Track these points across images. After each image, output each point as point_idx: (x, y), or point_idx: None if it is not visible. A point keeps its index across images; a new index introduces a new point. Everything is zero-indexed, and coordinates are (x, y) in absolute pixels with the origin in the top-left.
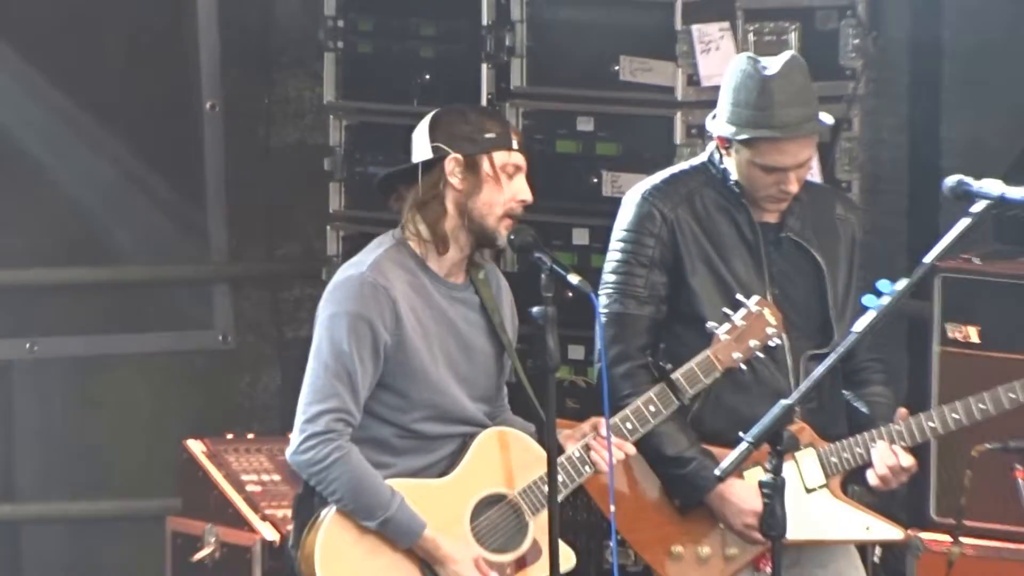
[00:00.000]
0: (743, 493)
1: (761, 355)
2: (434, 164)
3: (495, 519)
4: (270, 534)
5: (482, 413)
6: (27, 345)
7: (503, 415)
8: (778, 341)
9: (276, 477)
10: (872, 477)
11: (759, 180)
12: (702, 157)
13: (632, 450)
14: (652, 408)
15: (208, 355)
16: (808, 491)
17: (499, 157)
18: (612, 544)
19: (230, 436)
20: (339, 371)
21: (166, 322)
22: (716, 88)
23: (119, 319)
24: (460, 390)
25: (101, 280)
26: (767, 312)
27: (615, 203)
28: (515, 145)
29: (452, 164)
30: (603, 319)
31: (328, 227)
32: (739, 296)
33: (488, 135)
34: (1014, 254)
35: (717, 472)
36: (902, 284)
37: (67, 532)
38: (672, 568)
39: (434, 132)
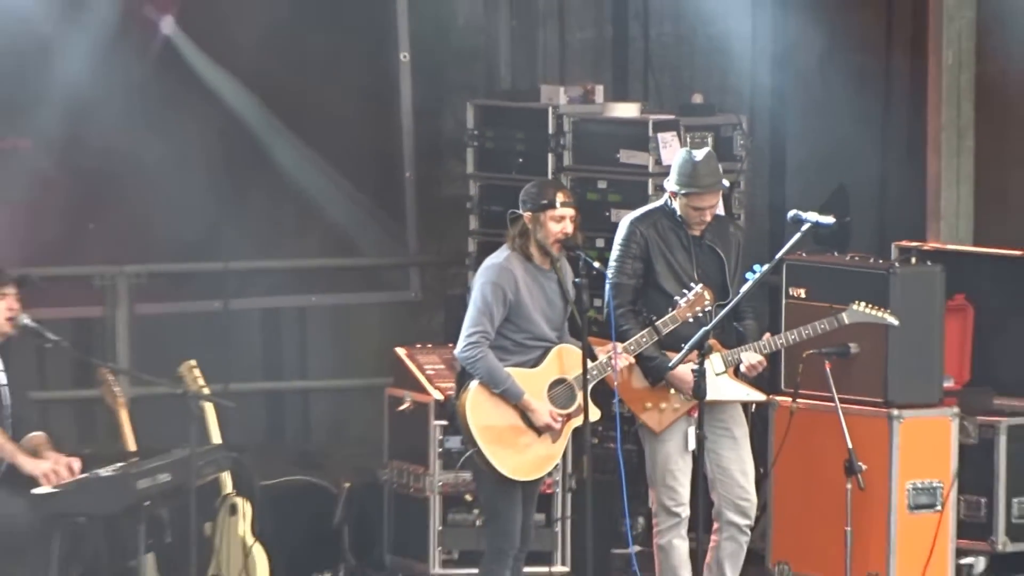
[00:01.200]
0: (684, 375)
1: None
2: (519, 216)
3: (559, 391)
4: (439, 396)
5: (555, 336)
6: (312, 298)
7: (565, 336)
8: (709, 308)
9: (441, 366)
10: (743, 368)
11: (690, 214)
12: (660, 201)
13: (631, 359)
14: (644, 339)
15: (408, 305)
16: (716, 375)
17: (549, 213)
18: (617, 428)
19: (419, 345)
20: (484, 311)
21: (386, 286)
22: (669, 166)
23: (358, 286)
24: (544, 324)
25: (346, 265)
26: (706, 293)
27: (615, 226)
28: (559, 204)
29: (527, 217)
30: (609, 286)
31: (469, 238)
32: (691, 284)
33: (543, 200)
34: (823, 251)
35: (669, 364)
36: (764, 268)
37: (331, 399)
38: (646, 415)
39: (523, 197)
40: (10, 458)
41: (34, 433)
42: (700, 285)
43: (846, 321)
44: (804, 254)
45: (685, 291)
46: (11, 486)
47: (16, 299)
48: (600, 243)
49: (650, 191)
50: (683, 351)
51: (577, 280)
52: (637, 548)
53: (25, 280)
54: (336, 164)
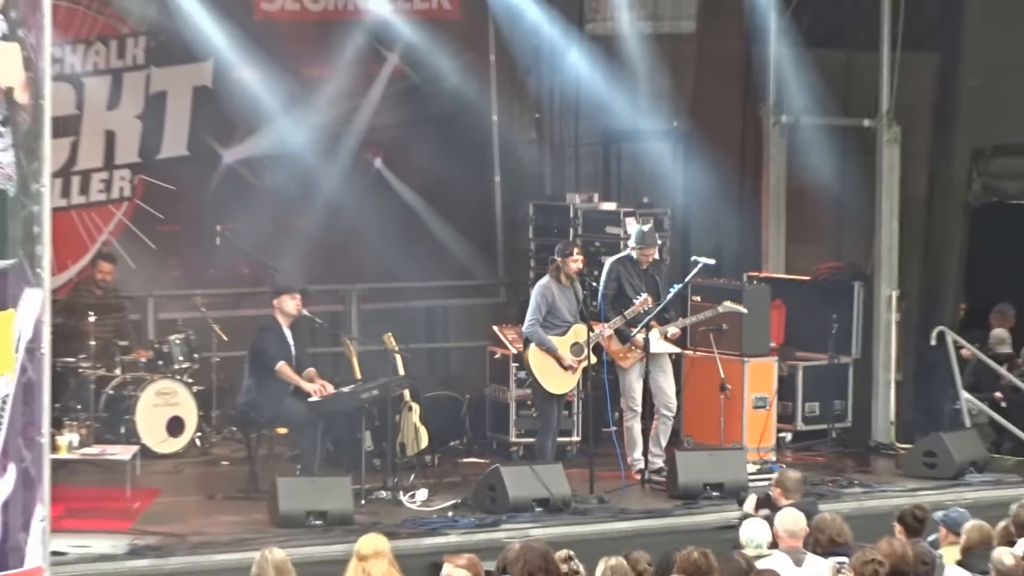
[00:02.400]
0: (638, 340)
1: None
2: (555, 259)
3: (575, 348)
4: (515, 351)
5: (572, 320)
6: (449, 301)
7: (577, 320)
8: (650, 306)
9: (515, 336)
10: (669, 335)
11: (641, 259)
12: (625, 252)
13: (611, 331)
14: (619, 321)
15: (498, 305)
16: (655, 340)
17: (569, 258)
18: (604, 366)
19: (504, 326)
20: (536, 308)
21: (486, 295)
22: (631, 234)
23: (472, 295)
24: (567, 314)
25: (467, 284)
26: (649, 298)
27: (603, 265)
28: (574, 253)
29: (558, 260)
30: (600, 295)
31: (529, 270)
32: (641, 294)
33: (566, 251)
34: (709, 277)
35: (632, 334)
36: (678, 286)
37: (460, 353)
38: (619, 360)
39: (556, 249)
40: (297, 383)
41: (309, 369)
42: (645, 295)
43: (720, 311)
44: (700, 278)
45: (638, 297)
46: (296, 397)
47: (301, 301)
48: (597, 273)
49: (621, 247)
50: (638, 328)
51: (585, 292)
52: (614, 428)
53: (305, 291)
54: (462, 231)
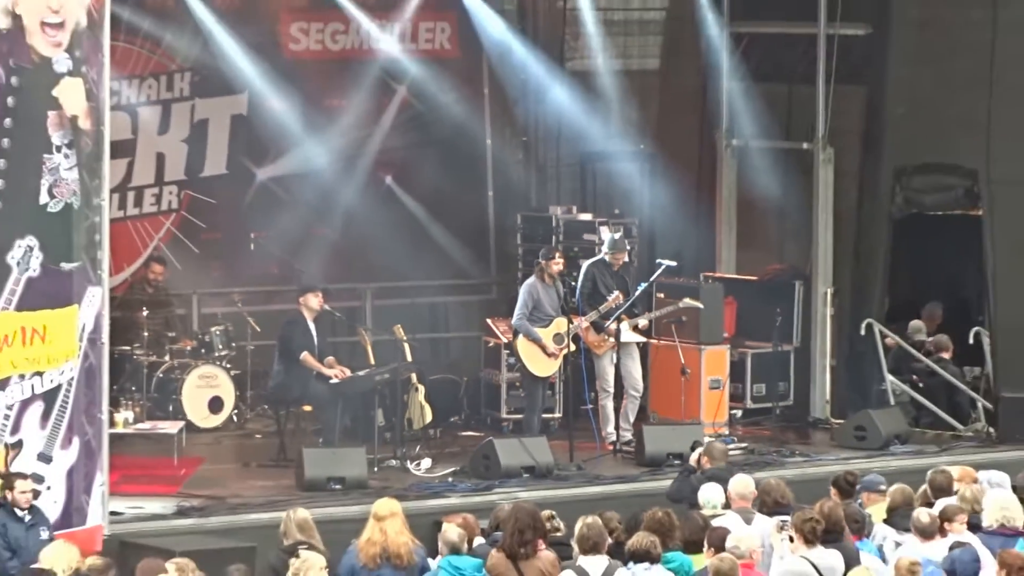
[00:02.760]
0: (610, 329)
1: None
2: (539, 261)
3: (557, 338)
4: (506, 340)
5: (554, 314)
6: (449, 298)
7: (558, 314)
8: (621, 302)
9: (506, 327)
10: (639, 327)
11: (612, 262)
12: (599, 256)
13: (588, 323)
14: (596, 314)
15: (491, 301)
16: (625, 330)
17: (552, 260)
18: (581, 352)
19: (496, 319)
20: (524, 304)
21: (480, 292)
22: (604, 241)
23: (469, 292)
24: (550, 309)
25: (463, 283)
26: (620, 295)
27: (580, 267)
28: (556, 256)
29: (542, 262)
30: (578, 292)
31: (517, 271)
32: (613, 291)
33: (549, 255)
34: (674, 276)
35: (605, 325)
36: (644, 285)
37: (459, 342)
38: (594, 347)
39: (540, 253)
40: (319, 369)
41: (329, 356)
42: (616, 292)
43: (680, 307)
44: (663, 278)
45: (610, 295)
46: (319, 379)
47: (323, 298)
48: (575, 273)
49: (596, 251)
50: (610, 320)
51: (565, 290)
52: (591, 406)
53: (326, 289)
54: (460, 238)
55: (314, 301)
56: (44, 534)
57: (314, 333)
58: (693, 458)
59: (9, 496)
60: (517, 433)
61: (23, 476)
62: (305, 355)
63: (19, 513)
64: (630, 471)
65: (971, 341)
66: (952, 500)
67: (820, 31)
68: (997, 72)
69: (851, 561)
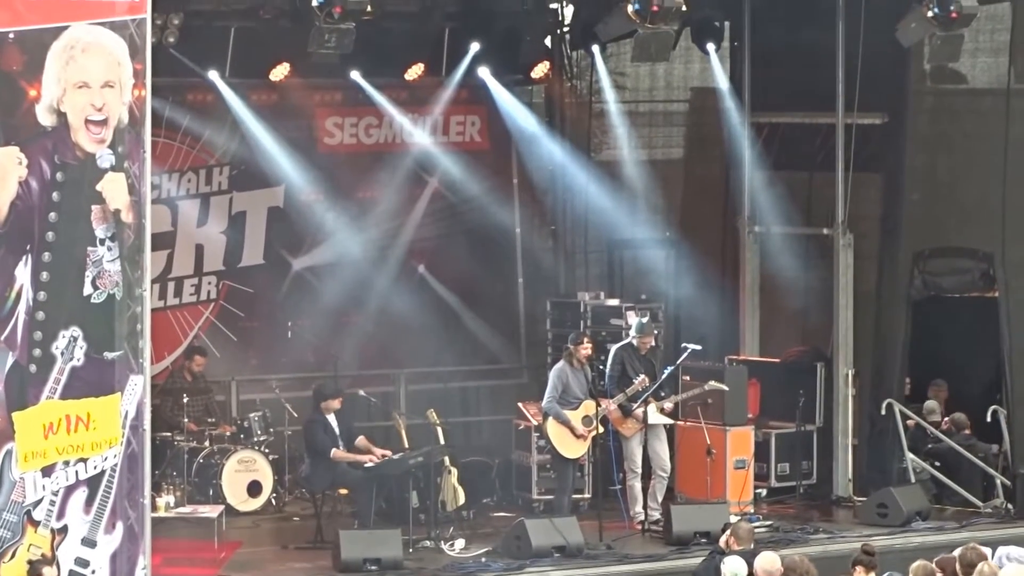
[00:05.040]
0: (638, 413)
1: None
2: (568, 346)
3: (586, 420)
4: (535, 422)
5: (584, 397)
6: (482, 382)
7: (587, 398)
8: (647, 385)
9: (536, 410)
10: (665, 408)
11: (640, 346)
12: (627, 340)
13: (615, 406)
14: (622, 396)
15: (522, 384)
16: (652, 412)
17: (580, 346)
18: (609, 435)
19: (527, 402)
20: (554, 387)
21: (511, 376)
22: (631, 325)
23: (500, 377)
24: (579, 392)
25: (495, 368)
26: (646, 379)
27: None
28: (584, 342)
29: (571, 347)
30: (607, 376)
31: (547, 356)
32: (640, 374)
33: (578, 341)
34: (699, 359)
35: (632, 408)
36: (670, 368)
37: (489, 424)
38: (623, 429)
39: (569, 338)
40: (351, 460)
41: (359, 437)
42: (643, 375)
43: (706, 389)
44: (688, 361)
45: (637, 378)
46: (349, 465)
47: (340, 401)
48: (603, 357)
49: (623, 335)
50: (638, 403)
51: (593, 374)
52: (619, 487)
53: (341, 392)
54: (491, 324)
55: (334, 404)
56: None
57: (336, 427)
58: (723, 540)
59: None
60: (548, 513)
61: (48, 563)
62: (335, 452)
63: None
64: (658, 550)
65: (989, 419)
66: None
67: (838, 120)
68: (1011, 157)
69: None
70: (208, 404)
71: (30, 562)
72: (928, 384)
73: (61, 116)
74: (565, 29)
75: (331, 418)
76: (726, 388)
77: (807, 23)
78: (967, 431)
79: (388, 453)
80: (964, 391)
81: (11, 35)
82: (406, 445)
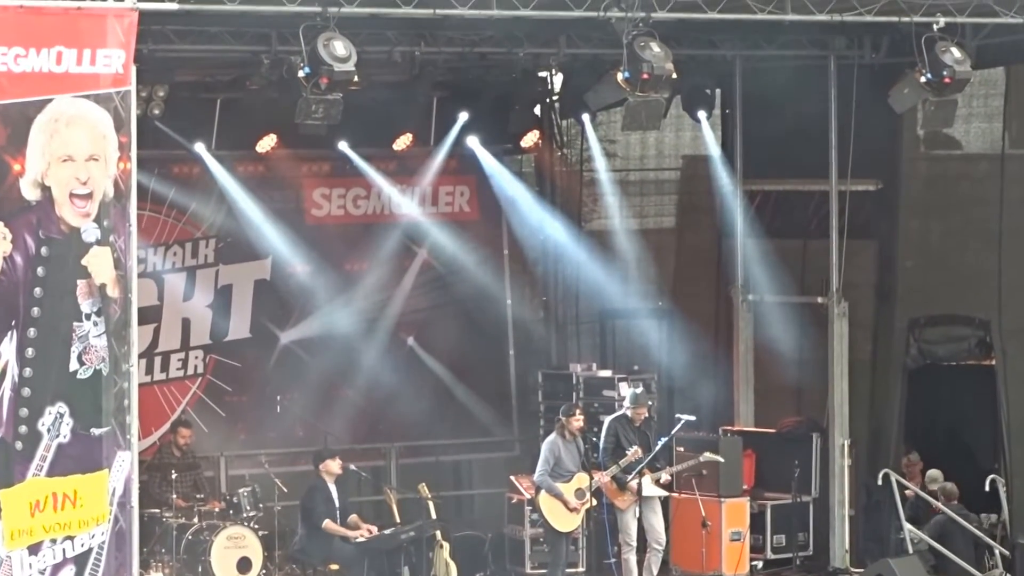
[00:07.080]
0: (632, 485)
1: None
2: (560, 419)
3: (578, 493)
4: (528, 496)
5: (576, 470)
6: (473, 455)
7: (580, 470)
8: (641, 456)
9: (529, 483)
10: (662, 481)
11: (633, 417)
12: (621, 411)
13: (608, 478)
14: (616, 468)
15: (514, 457)
16: (647, 484)
17: (572, 418)
18: (603, 507)
19: (519, 475)
20: (546, 460)
21: (503, 449)
22: (624, 396)
23: (491, 450)
24: (571, 465)
25: (487, 440)
26: (640, 450)
27: (602, 423)
28: (576, 414)
29: (563, 420)
30: (601, 448)
31: (539, 428)
32: (633, 446)
33: (569, 413)
34: (694, 430)
35: (627, 480)
36: (664, 439)
37: (482, 498)
38: (617, 501)
39: (561, 410)
40: (342, 534)
41: (352, 516)
42: (637, 447)
43: (701, 460)
44: (683, 432)
45: (630, 449)
46: (343, 540)
47: (343, 460)
48: (596, 429)
49: (617, 407)
50: (632, 475)
51: (586, 446)
52: (614, 560)
53: (341, 451)
54: (483, 396)
55: (334, 465)
56: None
57: (336, 497)
58: None
59: None
60: None
61: None
62: (327, 523)
63: None
64: None
65: (987, 488)
66: None
67: (832, 188)
68: (1006, 223)
69: None
70: (197, 480)
71: None
72: (933, 453)
73: (46, 190)
74: (555, 98)
75: (332, 488)
76: (721, 459)
77: (799, 89)
78: (956, 501)
79: (374, 529)
80: (961, 461)
81: None
82: (397, 520)
